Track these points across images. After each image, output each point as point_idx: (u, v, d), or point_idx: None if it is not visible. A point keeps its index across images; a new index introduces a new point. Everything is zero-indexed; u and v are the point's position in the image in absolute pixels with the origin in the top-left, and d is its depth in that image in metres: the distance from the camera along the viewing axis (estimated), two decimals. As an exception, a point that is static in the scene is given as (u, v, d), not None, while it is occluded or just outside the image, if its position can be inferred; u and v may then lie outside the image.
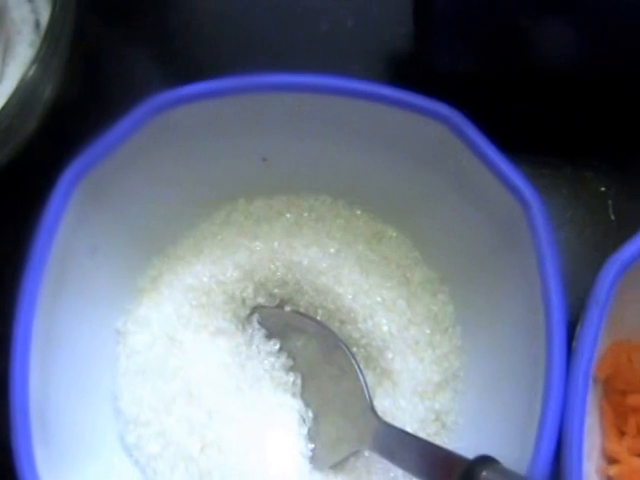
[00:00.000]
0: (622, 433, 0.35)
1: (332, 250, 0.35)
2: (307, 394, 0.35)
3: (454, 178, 0.34)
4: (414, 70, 0.38)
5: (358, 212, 0.37)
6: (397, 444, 0.32)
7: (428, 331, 0.35)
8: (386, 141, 0.34)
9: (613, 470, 0.34)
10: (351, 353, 0.35)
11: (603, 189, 0.40)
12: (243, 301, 0.36)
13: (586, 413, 0.33)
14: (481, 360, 0.35)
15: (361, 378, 0.34)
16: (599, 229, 0.39)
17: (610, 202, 0.40)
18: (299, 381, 0.35)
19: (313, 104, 0.33)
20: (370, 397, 0.34)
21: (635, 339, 0.35)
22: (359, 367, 0.34)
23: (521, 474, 0.28)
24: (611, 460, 0.34)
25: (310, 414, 0.35)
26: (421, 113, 0.32)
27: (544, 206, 0.31)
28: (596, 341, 0.30)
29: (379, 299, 0.35)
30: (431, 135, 0.32)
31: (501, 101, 0.39)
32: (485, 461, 0.28)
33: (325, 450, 0.34)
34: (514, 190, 0.31)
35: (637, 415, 0.34)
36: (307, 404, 0.35)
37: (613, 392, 0.35)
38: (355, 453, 0.34)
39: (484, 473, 0.28)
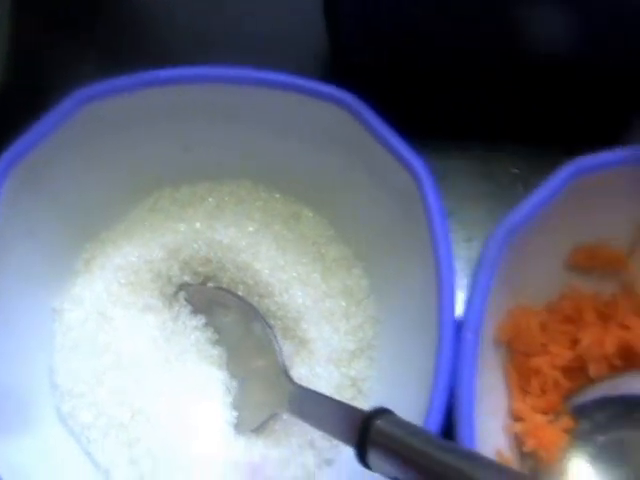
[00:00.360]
0: (527, 393, 0.37)
1: (251, 229, 0.38)
2: (232, 365, 0.38)
3: (359, 159, 0.36)
4: (329, 64, 0.41)
5: (277, 195, 0.39)
6: (310, 405, 0.34)
7: (343, 303, 0.38)
8: (297, 127, 0.37)
9: (518, 427, 0.36)
10: (268, 325, 0.37)
11: (515, 170, 0.43)
12: (169, 279, 0.38)
13: (487, 373, 0.35)
14: (394, 329, 0.37)
15: (275, 346, 0.37)
16: (511, 209, 0.42)
17: (521, 183, 0.42)
18: (224, 354, 0.38)
19: (229, 94, 0.36)
20: (284, 363, 0.36)
21: (538, 304, 0.38)
22: (274, 337, 0.37)
23: (411, 422, 0.31)
24: (517, 418, 0.36)
25: (235, 384, 0.37)
26: (323, 99, 0.35)
27: (433, 178, 0.33)
28: (484, 301, 0.32)
29: (295, 274, 0.37)
30: (334, 120, 0.35)
31: (413, 90, 0.42)
32: (381, 412, 0.31)
33: (248, 416, 0.36)
34: (406, 165, 0.34)
35: (539, 376, 0.37)
36: (232, 375, 0.37)
37: (517, 354, 0.37)
38: (274, 417, 0.36)
39: (378, 422, 0.30)
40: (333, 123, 0.35)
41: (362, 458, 0.31)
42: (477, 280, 0.32)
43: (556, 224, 0.36)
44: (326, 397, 0.34)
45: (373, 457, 0.30)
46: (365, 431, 0.30)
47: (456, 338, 0.32)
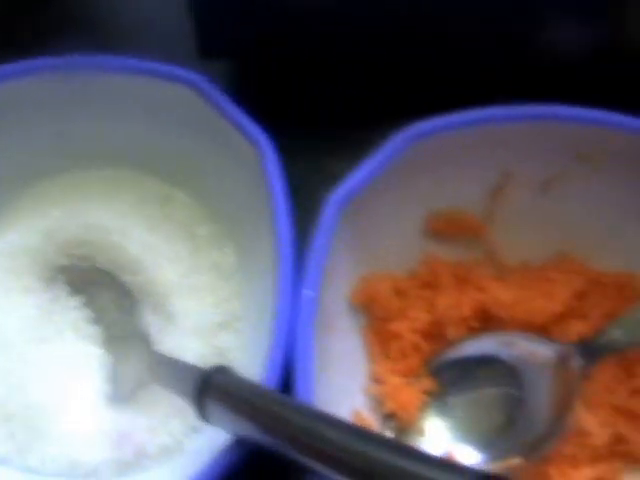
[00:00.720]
0: (387, 357, 0.38)
1: (122, 212, 0.40)
2: (108, 342, 0.39)
3: (215, 140, 0.38)
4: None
5: (150, 179, 0.42)
6: (164, 369, 0.36)
7: (211, 279, 0.39)
8: (157, 112, 0.40)
9: (377, 389, 0.37)
10: (136, 300, 0.39)
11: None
12: (46, 262, 0.40)
13: (344, 336, 0.37)
14: (258, 301, 0.38)
15: (141, 320, 0.39)
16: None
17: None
18: (102, 332, 0.39)
19: (90, 83, 0.39)
20: (148, 335, 0.38)
21: (399, 270, 0.39)
22: (139, 311, 0.39)
23: (248, 378, 0.32)
24: (376, 381, 0.37)
25: (111, 359, 0.39)
26: (173, 81, 0.37)
27: (275, 151, 0.35)
28: (321, 261, 0.34)
29: (164, 252, 0.39)
30: (186, 102, 0.38)
31: (278, 76, 0.45)
32: (220, 369, 0.32)
33: (120, 388, 0.38)
34: (249, 138, 0.36)
35: (399, 340, 0.38)
36: (108, 350, 0.39)
37: (375, 319, 0.38)
38: (144, 387, 0.37)
39: (215, 377, 0.32)
40: (186, 105, 0.38)
41: (201, 413, 0.32)
42: (312, 241, 0.34)
43: (403, 190, 0.37)
44: (173, 359, 0.36)
45: (211, 411, 0.32)
46: (203, 387, 0.32)
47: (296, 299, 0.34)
